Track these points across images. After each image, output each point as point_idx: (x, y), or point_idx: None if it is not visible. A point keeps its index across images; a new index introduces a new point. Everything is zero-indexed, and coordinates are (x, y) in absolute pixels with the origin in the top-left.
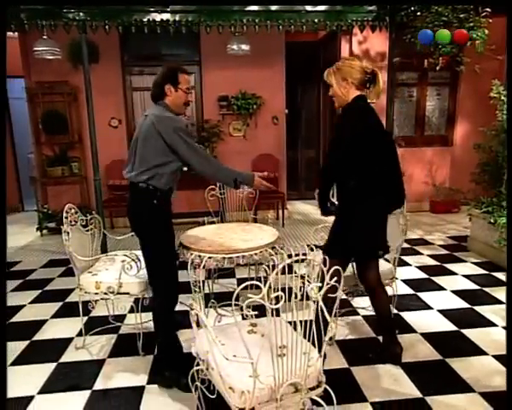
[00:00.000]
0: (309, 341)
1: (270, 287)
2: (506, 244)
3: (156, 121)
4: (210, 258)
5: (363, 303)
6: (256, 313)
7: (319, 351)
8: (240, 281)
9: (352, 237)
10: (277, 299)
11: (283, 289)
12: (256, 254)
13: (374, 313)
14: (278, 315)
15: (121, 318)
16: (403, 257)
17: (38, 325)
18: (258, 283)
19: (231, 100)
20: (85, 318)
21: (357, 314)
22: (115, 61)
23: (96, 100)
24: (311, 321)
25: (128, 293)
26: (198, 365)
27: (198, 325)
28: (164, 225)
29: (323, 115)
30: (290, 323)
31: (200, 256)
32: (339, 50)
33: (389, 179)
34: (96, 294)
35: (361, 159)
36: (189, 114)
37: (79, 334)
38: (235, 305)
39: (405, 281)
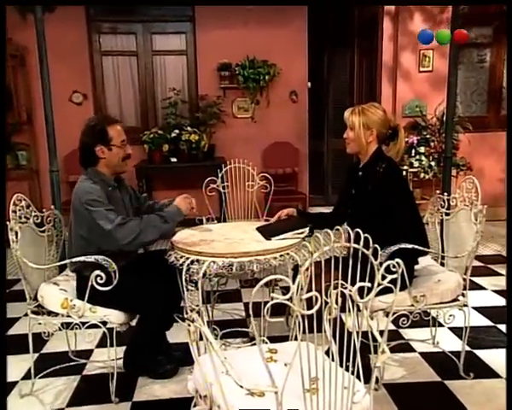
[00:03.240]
0: (347, 370)
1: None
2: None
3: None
4: (213, 263)
5: (418, 335)
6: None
7: (366, 381)
8: (248, 305)
9: None
10: (310, 302)
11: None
12: (275, 258)
13: (436, 349)
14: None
15: (86, 353)
16: (475, 279)
17: None
18: (282, 276)
19: (235, 69)
20: (36, 354)
21: (412, 350)
22: (78, 14)
23: (52, 66)
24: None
25: (105, 322)
26: (195, 405)
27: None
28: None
29: (358, 92)
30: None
31: (198, 261)
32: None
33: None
34: (55, 315)
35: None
36: (179, 88)
37: (26, 376)
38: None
39: (479, 309)
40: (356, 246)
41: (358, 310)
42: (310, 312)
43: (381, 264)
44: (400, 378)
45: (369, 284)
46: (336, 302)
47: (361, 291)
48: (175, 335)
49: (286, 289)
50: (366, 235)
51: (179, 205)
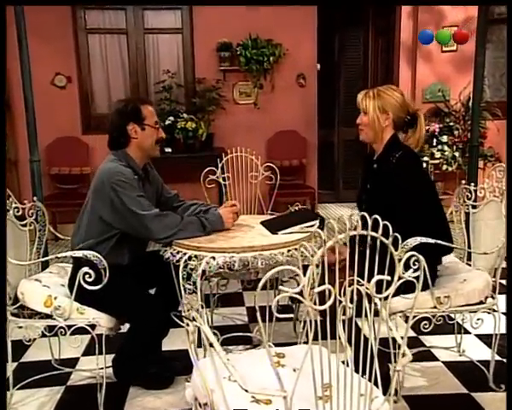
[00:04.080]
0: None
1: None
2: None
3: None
4: (213, 259)
5: (442, 342)
6: None
7: (385, 392)
8: (251, 310)
9: None
10: (323, 297)
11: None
12: (283, 253)
13: (462, 358)
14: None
15: (72, 362)
16: (505, 281)
17: None
18: (292, 267)
19: (236, 50)
20: (15, 364)
21: (435, 359)
22: None
23: (32, 46)
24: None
25: (93, 326)
26: None
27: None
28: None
29: (373, 76)
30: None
31: (196, 257)
32: None
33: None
34: (41, 317)
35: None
36: (174, 71)
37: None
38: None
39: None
40: (373, 234)
41: (376, 312)
42: (322, 307)
43: (399, 260)
44: (422, 390)
45: (389, 278)
46: (351, 301)
47: (378, 289)
48: (171, 342)
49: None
50: (385, 222)
51: (223, 214)
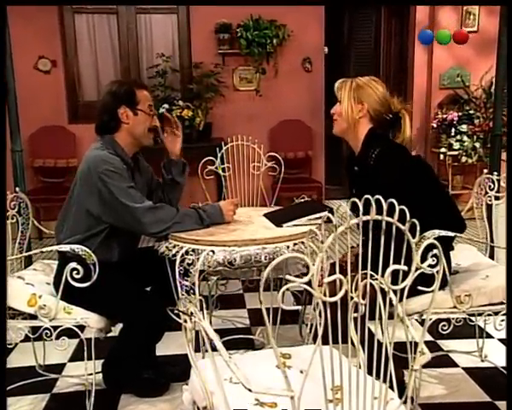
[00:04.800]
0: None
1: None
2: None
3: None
4: (212, 253)
5: (461, 346)
6: None
7: (400, 395)
8: (253, 312)
9: None
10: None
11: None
12: (288, 247)
13: (484, 364)
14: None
15: (58, 368)
16: None
17: None
18: (299, 254)
19: (237, 31)
20: None
21: (454, 365)
22: None
23: (13, 27)
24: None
25: (82, 327)
26: None
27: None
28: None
29: (386, 60)
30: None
31: (194, 251)
32: None
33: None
34: (24, 318)
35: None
36: (169, 54)
37: None
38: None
39: None
40: (389, 219)
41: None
42: (333, 299)
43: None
44: (440, 398)
45: (405, 268)
46: (363, 297)
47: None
48: (166, 346)
49: (300, 294)
50: (402, 207)
51: (223, 207)
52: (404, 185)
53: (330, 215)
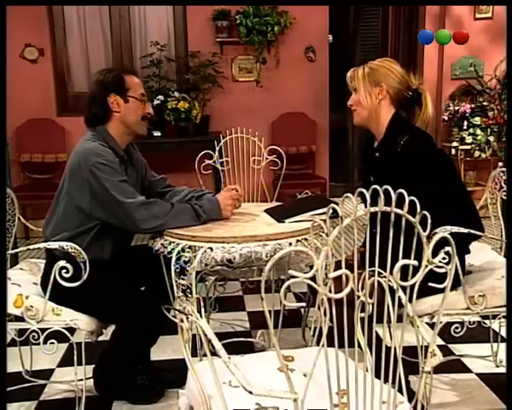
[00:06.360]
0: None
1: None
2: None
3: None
4: (210, 250)
5: (474, 350)
6: None
7: (410, 399)
8: (253, 315)
9: None
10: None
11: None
12: (291, 243)
13: (499, 370)
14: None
15: (46, 373)
16: None
17: None
18: (303, 248)
19: (236, 18)
20: None
21: (467, 370)
22: None
23: None
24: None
25: (72, 330)
26: None
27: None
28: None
29: (394, 49)
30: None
31: (191, 248)
32: None
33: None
34: (10, 320)
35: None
36: (164, 43)
37: None
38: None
39: None
40: (399, 211)
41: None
42: (339, 295)
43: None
44: (452, 405)
45: (416, 262)
46: (370, 296)
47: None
48: (161, 350)
49: (303, 295)
50: (412, 198)
51: (221, 202)
52: (430, 175)
53: (336, 207)
